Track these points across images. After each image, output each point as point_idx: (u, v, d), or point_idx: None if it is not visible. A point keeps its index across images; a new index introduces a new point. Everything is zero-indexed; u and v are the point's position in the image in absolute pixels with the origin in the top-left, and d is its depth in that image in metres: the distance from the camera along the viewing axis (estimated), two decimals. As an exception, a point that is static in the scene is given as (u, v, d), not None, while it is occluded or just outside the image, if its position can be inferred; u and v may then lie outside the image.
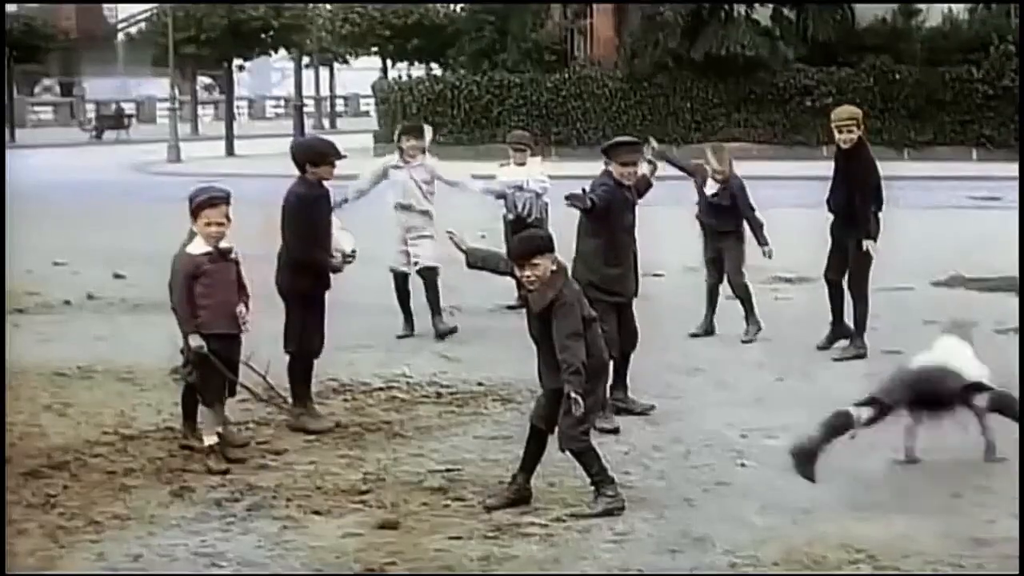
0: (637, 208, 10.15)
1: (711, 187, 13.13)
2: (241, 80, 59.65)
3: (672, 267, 15.94)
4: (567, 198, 9.73)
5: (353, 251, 10.13)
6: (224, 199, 8.83)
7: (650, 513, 7.73)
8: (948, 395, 8.64)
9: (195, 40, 45.41)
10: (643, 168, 10.32)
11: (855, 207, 11.85)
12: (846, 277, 12.13)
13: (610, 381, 9.58)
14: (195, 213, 8.75)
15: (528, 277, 7.67)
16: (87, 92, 72.20)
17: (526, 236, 8.13)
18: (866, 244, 11.79)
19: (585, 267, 9.70)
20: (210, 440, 8.70)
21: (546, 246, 7.76)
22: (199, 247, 8.68)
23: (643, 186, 10.29)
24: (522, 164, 14.37)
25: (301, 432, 9.47)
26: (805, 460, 8.10)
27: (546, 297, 7.63)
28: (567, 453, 7.81)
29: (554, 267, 7.68)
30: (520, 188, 14.25)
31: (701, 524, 7.50)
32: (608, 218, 9.77)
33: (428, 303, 13.04)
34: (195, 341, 8.66)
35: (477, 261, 8.25)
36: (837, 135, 12.00)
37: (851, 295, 12.06)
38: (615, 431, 9.40)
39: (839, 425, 8.39)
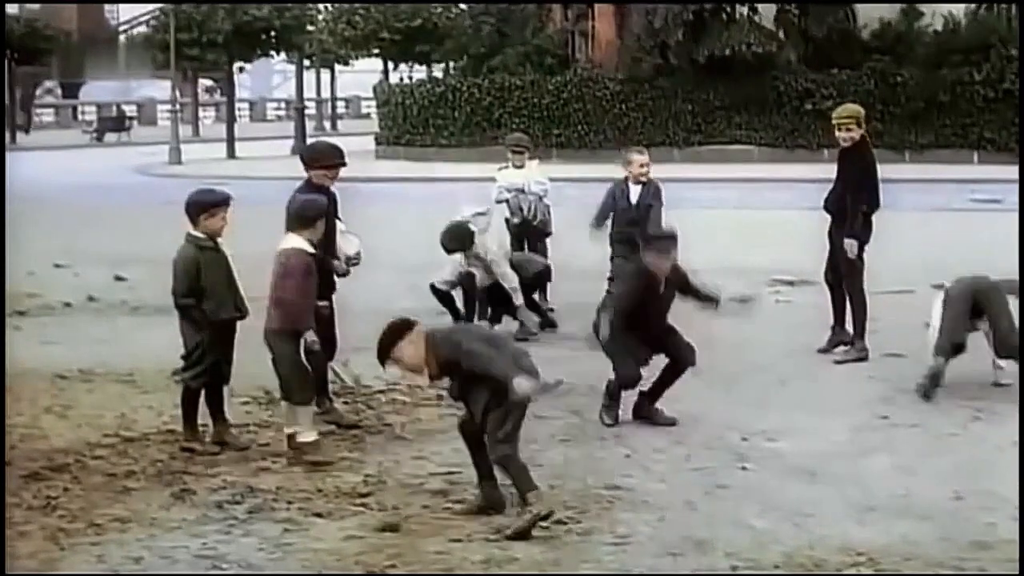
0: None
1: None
2: (242, 82, 59.72)
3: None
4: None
5: (357, 254, 10.12)
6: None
7: (651, 516, 7.72)
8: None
9: (196, 42, 45.43)
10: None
11: (846, 207, 11.88)
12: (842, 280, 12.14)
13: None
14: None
15: (405, 376, 7.58)
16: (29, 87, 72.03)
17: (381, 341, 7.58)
18: (847, 243, 11.81)
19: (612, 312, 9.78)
20: (310, 437, 8.76)
21: (399, 333, 7.48)
22: (302, 243, 8.74)
23: (701, 297, 10.26)
24: (521, 167, 14.37)
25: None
26: (933, 384, 10.15)
27: (432, 372, 7.53)
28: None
29: (421, 343, 7.45)
30: (521, 191, 14.25)
31: (702, 527, 7.50)
32: (638, 310, 9.77)
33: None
34: (311, 336, 8.79)
35: None
36: (837, 133, 12.04)
37: (848, 298, 12.08)
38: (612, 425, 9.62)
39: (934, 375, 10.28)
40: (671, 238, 10.06)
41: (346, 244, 10.22)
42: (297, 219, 8.88)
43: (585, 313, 12.84)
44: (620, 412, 9.84)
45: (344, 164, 10.05)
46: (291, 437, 8.85)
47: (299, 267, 8.73)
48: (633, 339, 9.77)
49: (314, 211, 8.91)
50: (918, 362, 10.94)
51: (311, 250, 8.83)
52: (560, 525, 7.53)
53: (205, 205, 9.18)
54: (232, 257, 9.32)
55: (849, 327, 12.09)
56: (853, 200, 11.85)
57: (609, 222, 13.13)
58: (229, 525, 7.60)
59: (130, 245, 19.06)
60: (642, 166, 13.00)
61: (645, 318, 9.82)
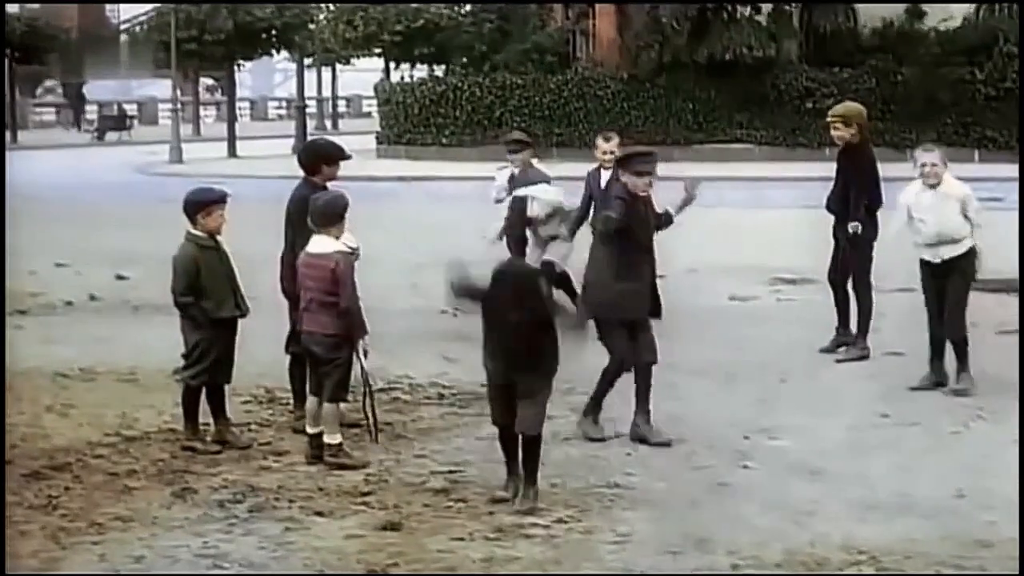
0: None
1: None
2: (243, 81, 59.65)
3: (674, 268, 15.91)
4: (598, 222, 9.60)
5: (357, 247, 10.08)
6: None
7: (652, 514, 7.73)
8: None
9: (198, 40, 45.41)
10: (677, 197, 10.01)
11: (848, 203, 11.89)
12: (849, 277, 12.13)
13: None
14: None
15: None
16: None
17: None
18: (851, 227, 11.79)
19: (593, 284, 9.44)
20: (336, 439, 8.75)
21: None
22: (337, 243, 8.74)
23: (663, 222, 9.81)
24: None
25: (303, 434, 9.46)
26: None
27: None
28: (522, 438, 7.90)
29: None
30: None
31: (703, 525, 7.51)
32: (624, 232, 9.30)
33: None
34: (365, 344, 8.76)
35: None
36: (831, 132, 12.12)
37: (855, 293, 12.07)
38: (601, 440, 9.27)
39: None
40: (647, 154, 9.58)
41: (344, 237, 10.20)
42: (324, 217, 8.76)
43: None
44: (604, 426, 9.47)
45: (347, 157, 9.97)
46: (316, 437, 8.83)
47: (350, 271, 8.70)
48: (623, 338, 9.45)
49: (340, 208, 8.83)
50: (919, 361, 10.94)
51: (348, 249, 8.81)
52: (561, 524, 7.54)
53: (202, 204, 9.18)
54: (232, 255, 9.32)
55: (854, 327, 12.08)
56: (856, 195, 11.86)
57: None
58: (230, 524, 7.61)
59: (131, 244, 19.05)
60: (604, 152, 12.94)
61: (635, 250, 9.44)
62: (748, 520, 7.61)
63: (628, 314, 9.39)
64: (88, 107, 67.83)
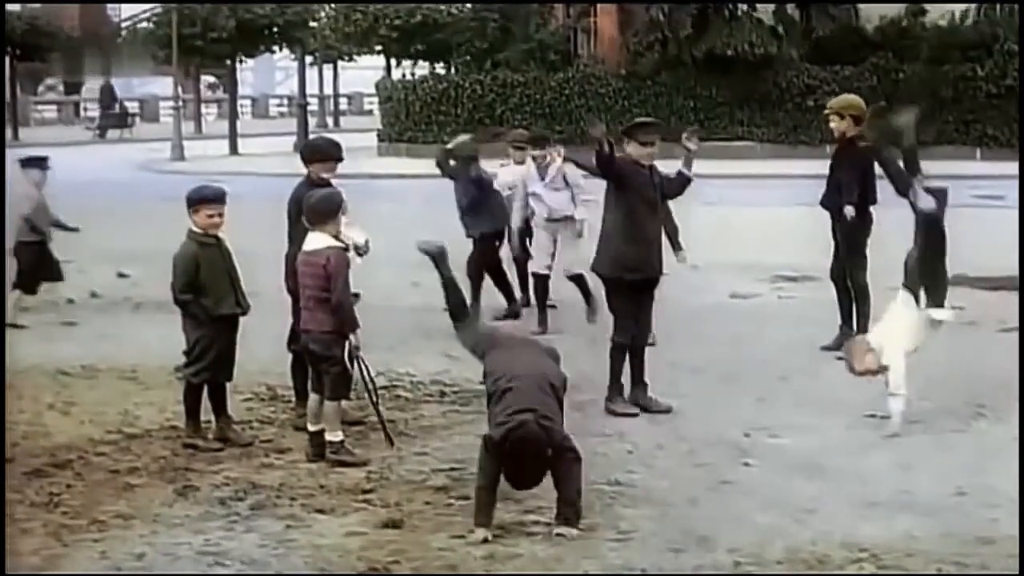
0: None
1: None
2: (244, 79, 59.57)
3: (675, 265, 15.89)
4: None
5: (366, 242, 10.11)
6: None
7: (654, 512, 7.73)
8: None
9: (199, 37, 45.39)
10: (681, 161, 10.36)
11: (840, 198, 11.94)
12: (847, 275, 12.16)
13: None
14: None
15: None
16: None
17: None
18: (847, 212, 11.82)
19: (604, 245, 9.97)
20: (338, 436, 8.75)
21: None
22: (331, 240, 8.77)
23: (678, 185, 10.42)
24: (522, 163, 14.34)
25: (305, 431, 9.47)
26: None
27: None
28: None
29: None
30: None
31: (705, 523, 7.51)
32: (627, 191, 9.84)
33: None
34: (356, 340, 8.75)
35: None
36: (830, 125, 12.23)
37: (852, 291, 12.08)
38: (635, 415, 9.78)
39: None
40: (651, 124, 10.09)
41: (354, 234, 10.23)
42: (317, 214, 8.81)
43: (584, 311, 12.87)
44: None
45: (341, 159, 10.05)
46: (317, 435, 8.82)
47: (343, 266, 8.72)
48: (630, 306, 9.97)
49: (333, 204, 8.87)
50: (919, 359, 10.93)
51: (342, 246, 8.84)
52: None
53: (190, 202, 9.26)
54: (233, 253, 9.33)
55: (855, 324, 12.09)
56: (847, 186, 11.91)
57: None
58: (232, 521, 7.61)
59: (133, 242, 19.05)
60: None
61: (639, 212, 9.87)
62: (749, 518, 7.61)
63: (636, 273, 9.90)
64: (91, 104, 67.76)
